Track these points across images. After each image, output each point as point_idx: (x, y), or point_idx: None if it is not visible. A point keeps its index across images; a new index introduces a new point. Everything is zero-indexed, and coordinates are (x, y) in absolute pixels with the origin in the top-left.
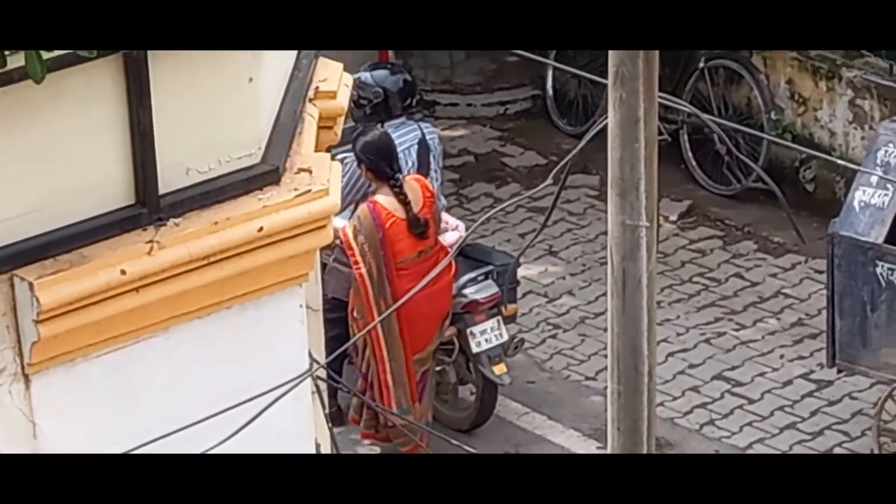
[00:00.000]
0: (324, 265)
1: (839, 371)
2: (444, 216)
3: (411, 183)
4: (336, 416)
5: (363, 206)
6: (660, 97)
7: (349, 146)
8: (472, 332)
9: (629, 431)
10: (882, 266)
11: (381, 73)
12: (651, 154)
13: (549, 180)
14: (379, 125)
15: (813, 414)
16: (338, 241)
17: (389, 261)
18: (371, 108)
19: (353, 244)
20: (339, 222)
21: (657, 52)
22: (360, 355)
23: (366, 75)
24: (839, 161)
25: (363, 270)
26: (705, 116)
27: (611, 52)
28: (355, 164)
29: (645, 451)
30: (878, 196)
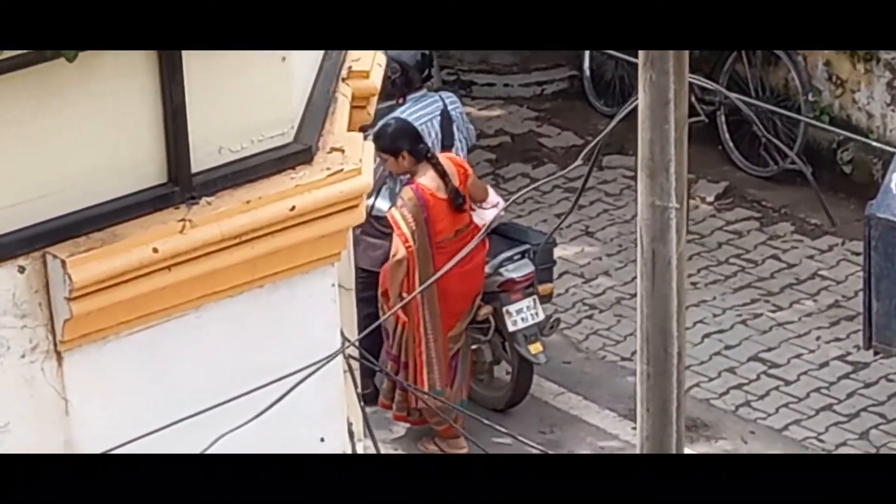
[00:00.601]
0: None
1: (875, 353)
2: (490, 193)
3: (445, 160)
4: (372, 397)
5: (407, 189)
6: (690, 78)
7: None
8: (508, 311)
9: (658, 413)
10: None
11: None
12: (681, 135)
13: (580, 161)
14: (400, 99)
15: (849, 396)
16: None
17: (432, 241)
18: (392, 85)
19: (404, 227)
20: (381, 203)
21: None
22: (391, 337)
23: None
24: (876, 143)
25: (414, 248)
26: (734, 96)
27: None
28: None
29: (674, 432)
30: None
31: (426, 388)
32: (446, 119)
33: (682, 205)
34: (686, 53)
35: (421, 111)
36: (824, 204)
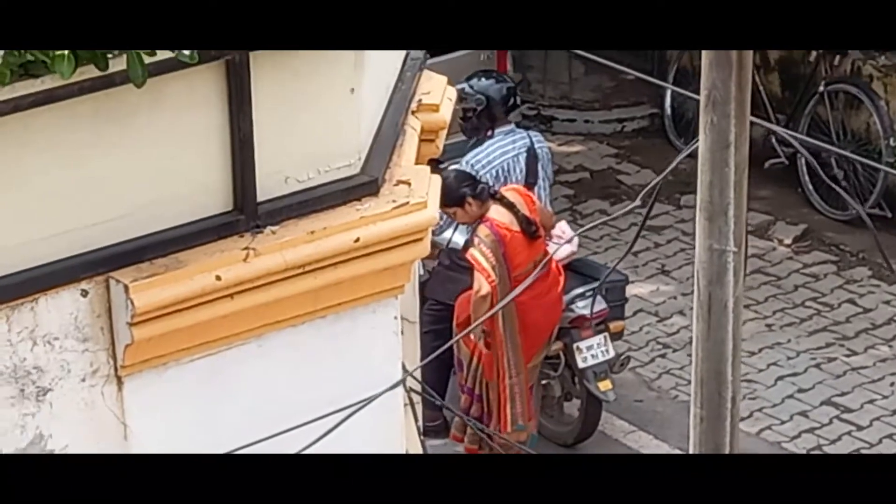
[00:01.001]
0: (428, 271)
1: None
2: (560, 225)
3: (510, 192)
4: (441, 429)
5: (482, 227)
6: (752, 121)
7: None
8: (578, 348)
9: None
10: None
11: (481, 82)
12: (741, 179)
13: (638, 201)
14: (489, 133)
15: None
16: (443, 247)
17: (510, 274)
18: (477, 118)
19: (485, 264)
20: (458, 238)
21: (749, 76)
22: (466, 369)
23: (465, 86)
24: None
25: (496, 283)
26: (791, 138)
27: (703, 76)
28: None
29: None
30: None
31: (509, 423)
32: (532, 156)
33: (739, 249)
34: (748, 97)
35: (509, 146)
36: (883, 251)
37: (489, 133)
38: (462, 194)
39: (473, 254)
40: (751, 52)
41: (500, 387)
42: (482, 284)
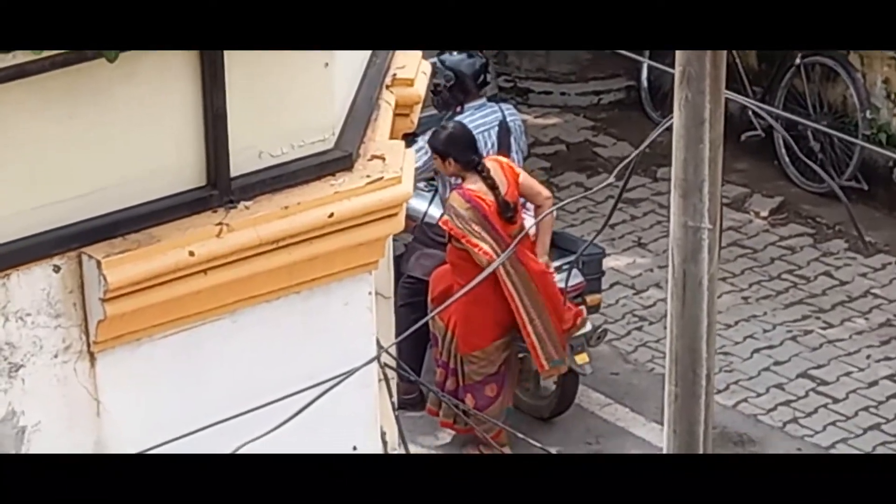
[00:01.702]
0: (404, 244)
1: None
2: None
3: (494, 166)
4: (417, 402)
5: (454, 195)
6: (726, 96)
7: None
8: None
9: (685, 434)
10: None
11: (452, 57)
12: (716, 156)
13: (612, 178)
14: (458, 108)
15: None
16: (419, 221)
17: (501, 232)
18: (448, 93)
19: (460, 227)
20: (434, 211)
21: (724, 53)
22: (441, 343)
23: (436, 60)
24: None
25: (485, 247)
26: (763, 109)
27: (678, 52)
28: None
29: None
30: None
31: (544, 363)
32: (504, 130)
33: (714, 225)
34: (723, 73)
35: (480, 120)
36: (857, 226)
37: (459, 108)
38: (447, 151)
39: (449, 223)
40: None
41: (525, 334)
42: (480, 259)
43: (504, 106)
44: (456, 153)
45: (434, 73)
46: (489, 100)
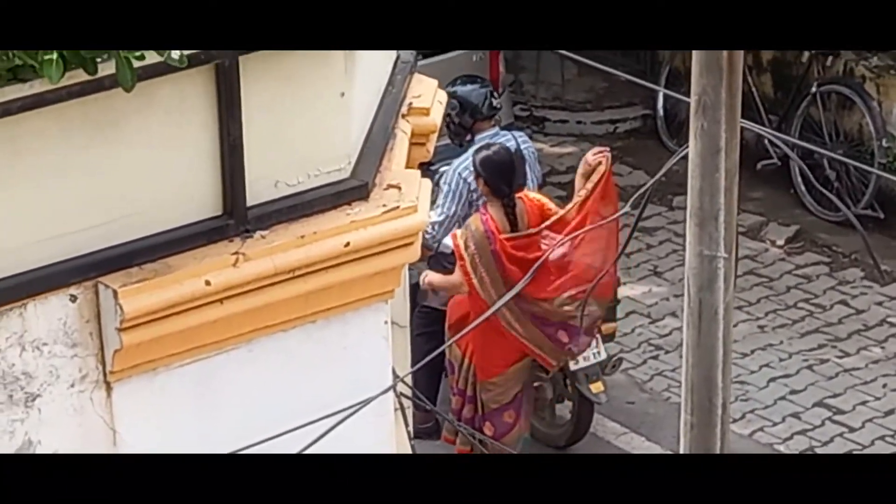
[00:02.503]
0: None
1: None
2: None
3: (522, 204)
4: (433, 431)
5: (476, 217)
6: (742, 125)
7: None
8: None
9: None
10: None
11: (456, 87)
12: (731, 185)
13: (628, 207)
14: (469, 137)
15: None
16: (435, 250)
17: (504, 271)
18: (455, 124)
19: (465, 254)
20: (449, 241)
21: (740, 81)
22: (457, 371)
23: (447, 91)
24: None
25: (474, 281)
26: (779, 140)
27: (693, 81)
28: (456, 176)
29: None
30: None
31: (552, 363)
32: (518, 158)
33: (730, 254)
34: (738, 102)
35: None
36: (872, 254)
37: (469, 138)
38: (480, 173)
39: (458, 239)
40: (741, 58)
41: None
42: (455, 275)
43: (517, 134)
44: (486, 175)
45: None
46: (504, 128)
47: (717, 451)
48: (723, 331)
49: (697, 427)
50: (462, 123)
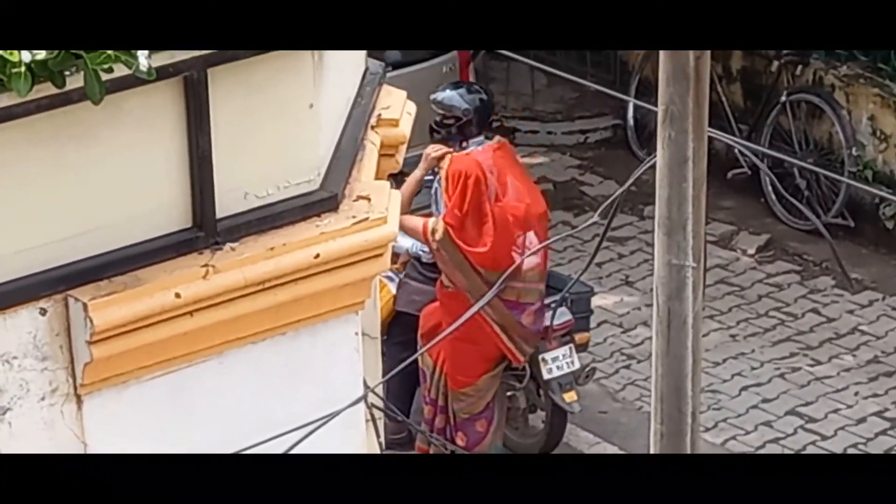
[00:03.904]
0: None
1: None
2: (528, 236)
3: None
4: (406, 441)
5: (440, 220)
6: (709, 135)
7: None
8: (543, 359)
9: None
10: None
11: (463, 92)
12: (699, 194)
13: (596, 217)
14: (463, 144)
15: (886, 452)
16: (411, 252)
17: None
18: (455, 128)
19: (431, 242)
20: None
21: (707, 91)
22: (429, 380)
23: (451, 95)
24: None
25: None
26: (745, 148)
27: (660, 91)
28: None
29: None
30: None
31: (520, 357)
32: None
33: (699, 264)
34: (706, 112)
35: (479, 158)
36: (840, 263)
37: (463, 145)
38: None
39: (428, 234)
40: (707, 66)
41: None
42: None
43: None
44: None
45: (443, 107)
46: (486, 138)
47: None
48: (692, 340)
49: (667, 436)
50: (463, 130)
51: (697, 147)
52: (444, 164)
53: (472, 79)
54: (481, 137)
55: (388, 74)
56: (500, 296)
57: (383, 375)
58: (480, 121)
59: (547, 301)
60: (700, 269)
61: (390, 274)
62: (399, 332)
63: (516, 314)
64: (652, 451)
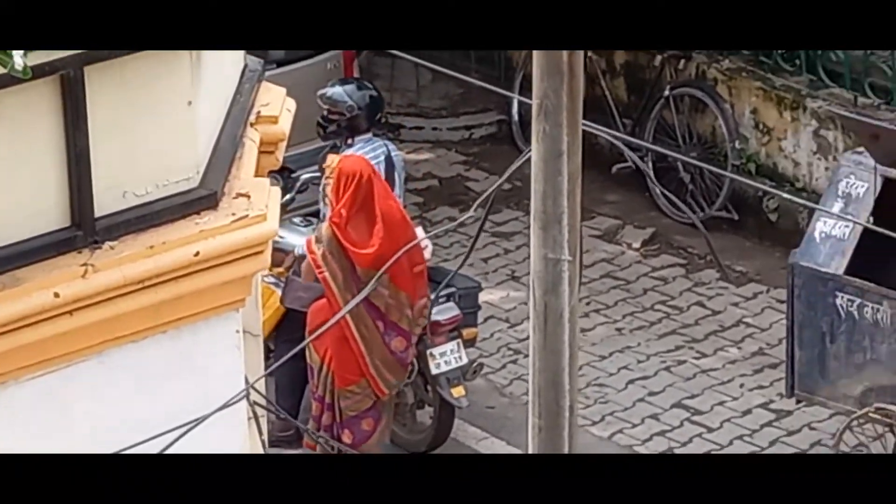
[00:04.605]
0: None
1: (798, 401)
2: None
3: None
4: (294, 439)
5: (325, 222)
6: (584, 127)
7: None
8: (431, 354)
9: None
10: (842, 297)
11: (351, 88)
12: (574, 188)
13: (472, 211)
14: (348, 141)
15: (772, 444)
16: (296, 254)
17: (353, 272)
18: (342, 124)
19: (315, 249)
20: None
21: (581, 85)
22: (316, 376)
23: (337, 91)
24: (793, 199)
25: (326, 274)
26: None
27: (534, 85)
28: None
29: None
30: (839, 227)
31: (384, 390)
32: (389, 165)
33: (574, 257)
34: (580, 106)
35: (370, 154)
36: (716, 257)
37: (349, 141)
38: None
39: (309, 239)
40: (581, 61)
41: (359, 354)
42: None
43: (387, 142)
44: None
45: (334, 103)
46: (374, 135)
47: (565, 453)
48: (568, 334)
49: (545, 430)
50: (351, 125)
51: (572, 141)
52: (332, 162)
53: (356, 75)
54: (369, 135)
55: (273, 72)
56: (370, 298)
57: (272, 375)
58: (369, 117)
59: (434, 296)
60: (576, 263)
61: (276, 280)
62: (288, 330)
63: (384, 333)
64: (530, 445)
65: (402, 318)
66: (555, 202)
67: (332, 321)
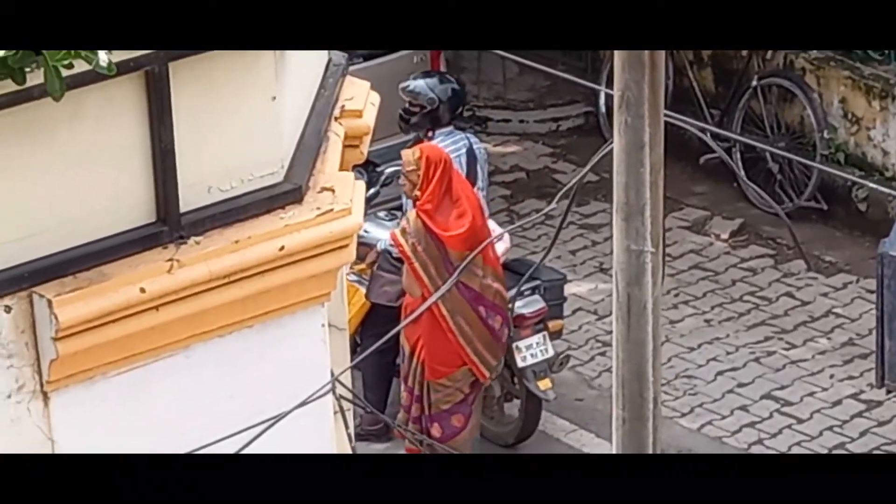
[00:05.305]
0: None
1: (888, 391)
2: (490, 223)
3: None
4: (383, 433)
5: (412, 212)
6: (666, 119)
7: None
8: (517, 347)
9: None
10: None
11: (433, 81)
12: (657, 179)
13: (556, 201)
14: (429, 133)
15: (862, 434)
16: (379, 249)
17: (446, 253)
18: (422, 117)
19: (403, 242)
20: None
21: (662, 77)
22: (407, 366)
23: (419, 83)
24: (883, 189)
25: (416, 265)
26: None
27: (616, 77)
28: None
29: None
30: None
31: (486, 374)
32: (471, 158)
33: (657, 249)
34: (661, 97)
35: (450, 147)
36: (801, 248)
37: (430, 134)
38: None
39: (395, 232)
40: (663, 53)
41: (463, 353)
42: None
43: (469, 134)
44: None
45: (416, 96)
46: (455, 128)
47: (650, 446)
48: (652, 325)
49: (629, 421)
50: (431, 118)
51: (654, 132)
52: (413, 156)
53: (443, 68)
54: (451, 127)
55: (360, 65)
56: (465, 281)
57: (359, 369)
58: (451, 110)
59: (521, 289)
60: (659, 255)
61: (359, 277)
62: (374, 325)
63: (485, 317)
64: (614, 437)
65: (496, 295)
66: (637, 193)
67: (424, 306)
